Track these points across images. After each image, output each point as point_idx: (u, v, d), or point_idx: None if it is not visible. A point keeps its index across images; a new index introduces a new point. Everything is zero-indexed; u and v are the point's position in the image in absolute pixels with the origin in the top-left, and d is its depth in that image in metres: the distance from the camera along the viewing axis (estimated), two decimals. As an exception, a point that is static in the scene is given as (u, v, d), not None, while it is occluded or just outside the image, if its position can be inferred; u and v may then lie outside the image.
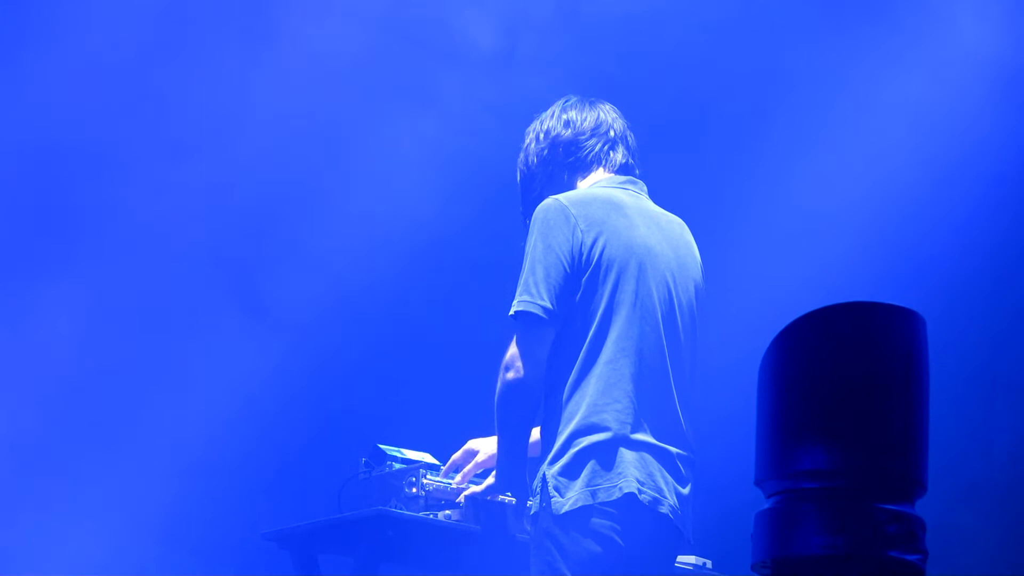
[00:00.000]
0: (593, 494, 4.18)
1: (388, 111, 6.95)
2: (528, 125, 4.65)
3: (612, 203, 4.40)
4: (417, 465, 4.57)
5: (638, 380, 4.28)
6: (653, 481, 4.24)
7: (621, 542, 4.18)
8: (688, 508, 4.33)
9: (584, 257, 4.30)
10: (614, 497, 4.18)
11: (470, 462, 4.59)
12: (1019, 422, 6.70)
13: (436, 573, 4.79)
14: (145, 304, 6.72)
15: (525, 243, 4.36)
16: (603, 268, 4.31)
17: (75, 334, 6.62)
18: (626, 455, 4.22)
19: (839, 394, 2.81)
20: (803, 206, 6.97)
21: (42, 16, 6.58)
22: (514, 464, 4.33)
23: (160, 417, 6.71)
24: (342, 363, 6.91)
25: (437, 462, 4.66)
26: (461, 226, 6.96)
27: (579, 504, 4.17)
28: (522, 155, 4.61)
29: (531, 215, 4.40)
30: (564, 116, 4.57)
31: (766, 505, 2.88)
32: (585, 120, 4.56)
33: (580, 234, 4.31)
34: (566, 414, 4.25)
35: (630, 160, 4.57)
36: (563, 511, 4.17)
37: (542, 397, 4.30)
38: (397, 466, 4.59)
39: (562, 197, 4.37)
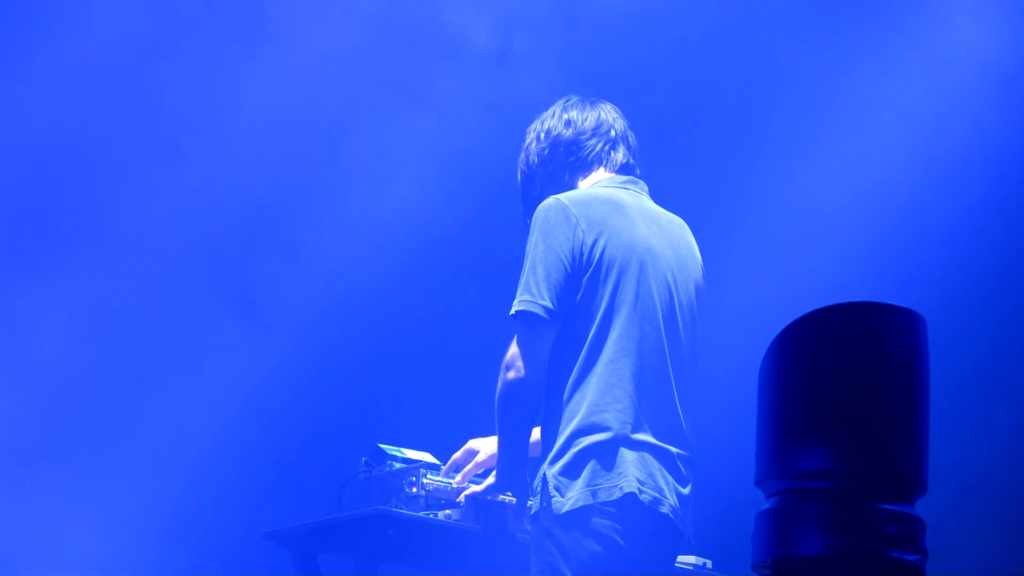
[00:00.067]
0: (594, 494, 4.18)
1: (385, 110, 6.95)
2: (527, 124, 4.66)
3: (613, 203, 4.40)
4: (417, 465, 4.57)
5: (639, 380, 4.28)
6: (654, 481, 4.24)
7: (621, 542, 4.18)
8: (689, 508, 4.33)
9: (585, 257, 4.31)
10: (615, 497, 4.18)
11: (470, 462, 4.59)
12: (1019, 422, 6.71)
13: (436, 573, 4.79)
14: (145, 304, 6.72)
15: (526, 243, 4.36)
16: (604, 268, 4.31)
17: (75, 334, 6.62)
18: (627, 455, 4.22)
19: (839, 394, 2.81)
20: (803, 206, 6.97)
21: (35, 16, 6.57)
22: (515, 464, 4.33)
23: (160, 417, 6.71)
24: (342, 363, 6.91)
25: (437, 462, 4.66)
26: (462, 225, 6.96)
27: (580, 504, 4.17)
28: (523, 155, 4.61)
29: (532, 215, 4.40)
30: (565, 116, 4.58)
31: (766, 505, 2.89)
32: (586, 120, 4.56)
33: (581, 234, 4.31)
34: (567, 414, 4.25)
35: (631, 160, 4.57)
36: (564, 511, 4.17)
37: (543, 397, 4.30)
38: (397, 466, 4.59)
39: (563, 197, 4.38)
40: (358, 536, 4.50)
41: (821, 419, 2.81)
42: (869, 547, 2.77)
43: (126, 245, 6.70)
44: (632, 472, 4.21)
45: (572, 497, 4.18)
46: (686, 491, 4.32)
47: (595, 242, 4.32)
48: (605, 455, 4.21)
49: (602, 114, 4.58)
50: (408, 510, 4.48)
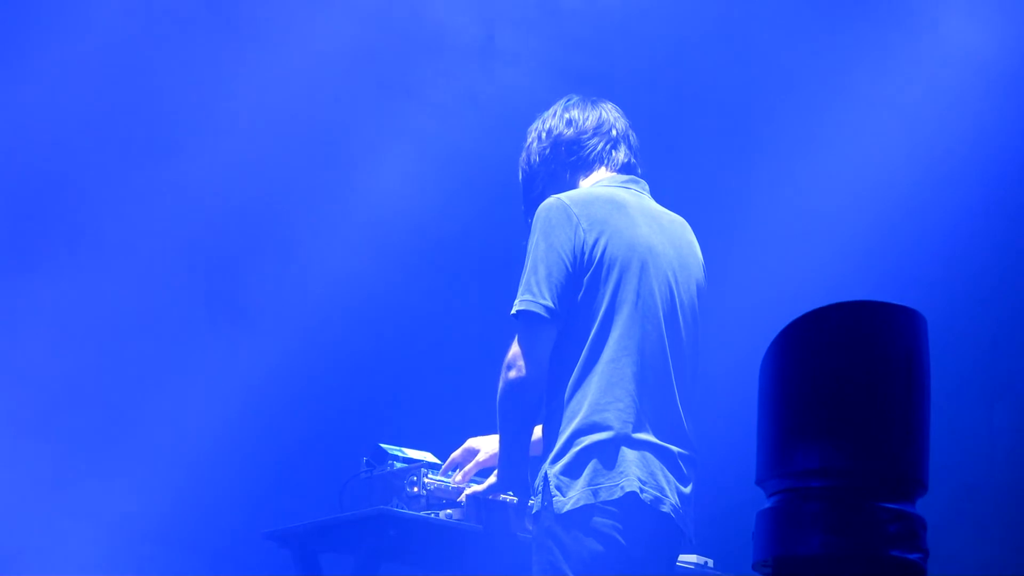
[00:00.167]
0: (595, 493, 4.18)
1: (377, 108, 6.94)
2: (525, 122, 4.66)
3: (614, 202, 4.41)
4: (418, 464, 4.57)
5: (640, 379, 4.28)
6: (655, 480, 4.24)
7: (623, 541, 4.18)
8: (690, 507, 4.34)
9: (586, 256, 4.31)
10: (616, 496, 4.18)
11: (470, 461, 4.60)
12: (1019, 422, 6.71)
13: (438, 572, 4.79)
14: (145, 304, 6.72)
15: (526, 242, 4.36)
16: (605, 267, 4.31)
17: (76, 334, 6.62)
18: (628, 454, 4.22)
19: (840, 393, 2.82)
20: (803, 206, 6.98)
21: (27, 16, 6.57)
22: (516, 463, 4.33)
23: (160, 417, 6.71)
24: (342, 363, 6.91)
25: (439, 461, 4.66)
26: (462, 225, 6.96)
27: (581, 503, 4.17)
28: (524, 154, 4.62)
29: (533, 214, 4.40)
30: (566, 115, 4.58)
31: (767, 504, 2.89)
32: (587, 119, 4.57)
33: (582, 233, 4.31)
34: (568, 413, 4.26)
35: (632, 159, 4.58)
36: (565, 510, 4.17)
37: (544, 396, 4.31)
38: (398, 465, 4.59)
39: (564, 196, 4.38)
40: (359, 536, 4.51)
41: (821, 418, 2.82)
42: (870, 546, 2.77)
43: (126, 245, 6.70)
44: (633, 471, 4.21)
45: (573, 496, 4.18)
46: (687, 490, 4.32)
47: (596, 241, 4.32)
48: (606, 454, 4.21)
49: (603, 113, 4.59)
50: (409, 510, 4.48)
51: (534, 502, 4.28)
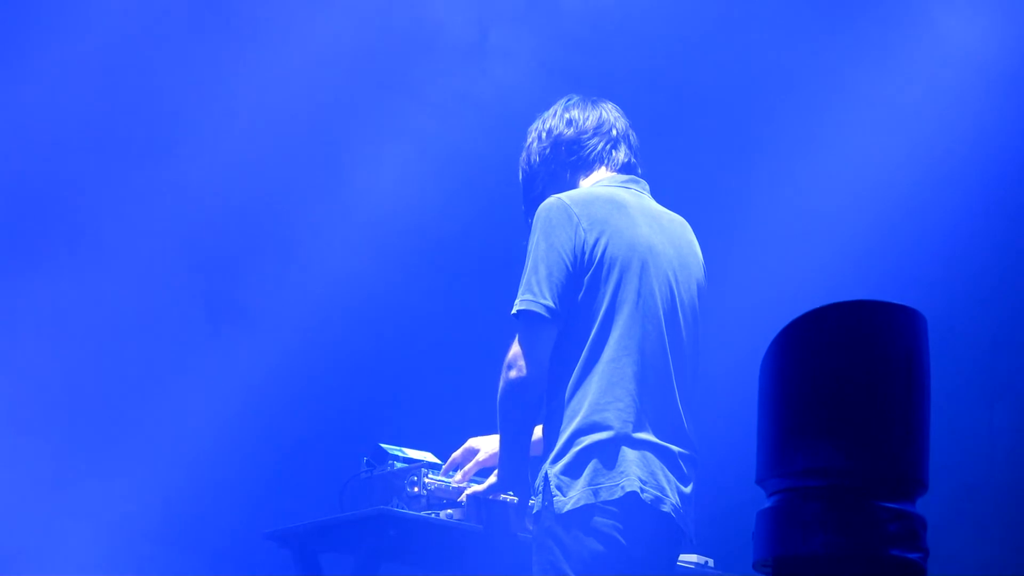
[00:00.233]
0: (595, 493, 4.18)
1: (377, 108, 6.94)
2: (524, 120, 4.67)
3: (614, 202, 4.41)
4: (419, 464, 4.57)
5: (640, 379, 4.28)
6: (655, 480, 4.24)
7: (623, 541, 4.18)
8: (690, 507, 4.34)
9: (586, 256, 4.31)
10: (616, 496, 4.18)
11: (470, 461, 4.60)
12: (1019, 422, 6.71)
13: (438, 572, 4.79)
14: (145, 303, 6.72)
15: (527, 242, 4.36)
16: (605, 267, 4.32)
17: (76, 333, 6.62)
18: (628, 454, 4.22)
19: (840, 393, 2.82)
20: (804, 206, 6.98)
21: (25, 16, 6.57)
22: (516, 463, 4.33)
23: (160, 417, 6.71)
24: (342, 363, 6.91)
25: (439, 461, 4.66)
26: (463, 224, 6.96)
27: (581, 503, 4.17)
28: (524, 154, 4.62)
29: (533, 214, 4.40)
30: (566, 115, 4.58)
31: (767, 504, 2.89)
32: (587, 119, 4.57)
33: (583, 233, 4.32)
34: (568, 413, 4.26)
35: (632, 159, 4.58)
36: (565, 510, 4.17)
37: (544, 396, 4.31)
38: (399, 465, 4.59)
39: (564, 196, 4.38)
40: (359, 536, 4.51)
41: (822, 418, 2.82)
42: (870, 545, 2.77)
43: (126, 245, 6.70)
44: (634, 471, 4.21)
45: (574, 496, 4.18)
46: (688, 490, 4.32)
47: (597, 241, 4.32)
48: (607, 454, 4.21)
49: (603, 113, 4.59)
50: (409, 510, 4.48)
51: (534, 502, 4.28)
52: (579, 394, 4.26)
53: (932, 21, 6.88)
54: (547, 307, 4.26)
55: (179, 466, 6.68)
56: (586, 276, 4.31)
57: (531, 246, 4.33)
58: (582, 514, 4.17)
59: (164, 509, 6.66)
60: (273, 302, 6.88)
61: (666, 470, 4.28)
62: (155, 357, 6.74)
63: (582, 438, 4.23)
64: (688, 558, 4.63)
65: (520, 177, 4.63)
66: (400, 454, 4.64)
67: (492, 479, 4.44)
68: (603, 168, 4.55)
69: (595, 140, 4.55)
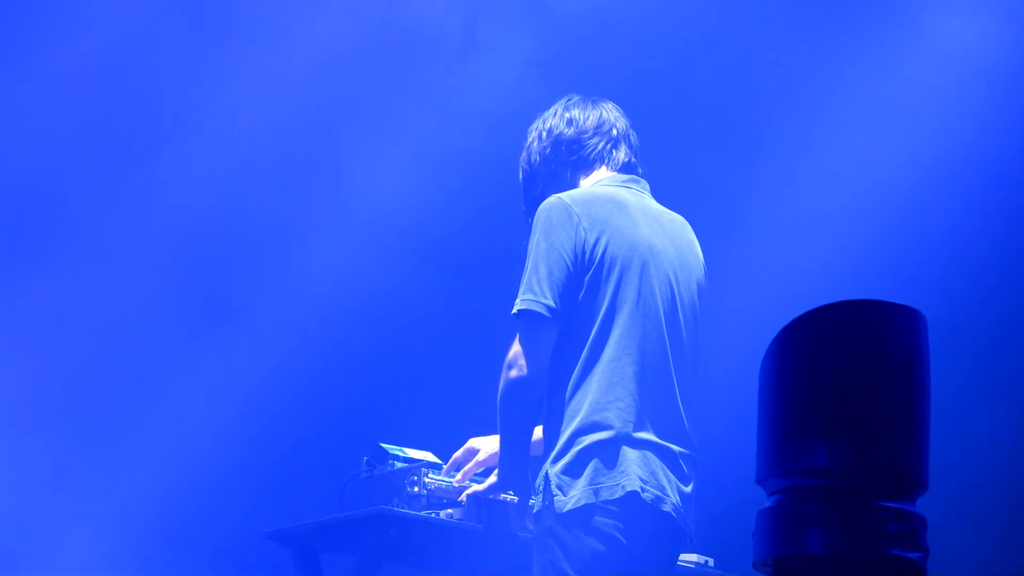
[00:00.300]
0: (596, 492, 4.18)
1: (373, 108, 6.94)
2: (525, 122, 4.67)
3: (615, 202, 4.41)
4: (419, 464, 4.57)
5: (640, 378, 4.28)
6: (656, 479, 4.24)
7: (624, 540, 4.18)
8: (691, 506, 4.34)
9: (587, 256, 4.31)
10: (617, 495, 4.18)
11: (471, 460, 4.60)
12: (1019, 422, 6.71)
13: (438, 572, 4.79)
14: (145, 303, 6.72)
15: (527, 242, 4.36)
16: (606, 267, 4.32)
17: (77, 333, 6.62)
18: (629, 453, 4.22)
19: (840, 392, 2.82)
20: (804, 206, 6.97)
21: (21, 16, 6.57)
22: (517, 462, 4.33)
23: (160, 417, 6.71)
24: (342, 363, 6.91)
25: (439, 461, 4.66)
26: (463, 224, 6.96)
27: (582, 503, 4.17)
28: (524, 153, 4.62)
29: (533, 213, 4.40)
30: (567, 115, 4.58)
31: (768, 503, 2.89)
32: (588, 119, 4.57)
33: (583, 232, 4.32)
34: (568, 412, 4.26)
35: (632, 159, 4.58)
36: (566, 509, 4.18)
37: (544, 395, 4.31)
38: (399, 465, 4.59)
39: (565, 196, 4.38)
40: (360, 536, 4.50)
41: (822, 417, 2.82)
42: (870, 545, 2.78)
43: (126, 244, 6.70)
44: (634, 471, 4.21)
45: (574, 496, 4.18)
46: (688, 489, 4.32)
47: (597, 241, 4.32)
48: (607, 454, 4.21)
49: (604, 113, 4.59)
50: (410, 509, 4.48)
51: (535, 501, 4.28)
52: (579, 394, 4.26)
53: (932, 21, 6.89)
54: (548, 307, 4.26)
55: (179, 466, 6.68)
56: (586, 276, 4.31)
57: (531, 246, 4.33)
58: (583, 513, 4.17)
59: (164, 509, 6.66)
60: (273, 302, 6.88)
61: (667, 469, 4.28)
62: (155, 357, 6.74)
63: (582, 438, 4.23)
64: (688, 557, 4.63)
65: (520, 176, 4.63)
66: (400, 454, 4.64)
67: (492, 479, 4.44)
68: (603, 168, 4.55)
69: (595, 140, 4.56)
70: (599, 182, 4.51)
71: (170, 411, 6.71)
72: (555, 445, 4.26)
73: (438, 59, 6.98)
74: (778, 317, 2.96)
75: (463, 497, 4.50)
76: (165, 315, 6.75)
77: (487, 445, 4.58)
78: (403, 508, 4.48)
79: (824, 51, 6.97)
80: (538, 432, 4.40)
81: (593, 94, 4.66)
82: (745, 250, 6.86)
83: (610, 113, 4.60)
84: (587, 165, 4.55)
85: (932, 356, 2.91)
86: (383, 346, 6.99)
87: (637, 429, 4.26)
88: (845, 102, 6.96)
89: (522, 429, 4.30)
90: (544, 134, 4.58)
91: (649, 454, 4.26)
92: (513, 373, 4.25)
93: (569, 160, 4.56)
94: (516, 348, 4.26)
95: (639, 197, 4.50)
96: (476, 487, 4.48)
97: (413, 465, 4.57)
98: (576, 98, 4.63)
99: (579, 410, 4.24)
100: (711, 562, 4.71)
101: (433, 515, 4.48)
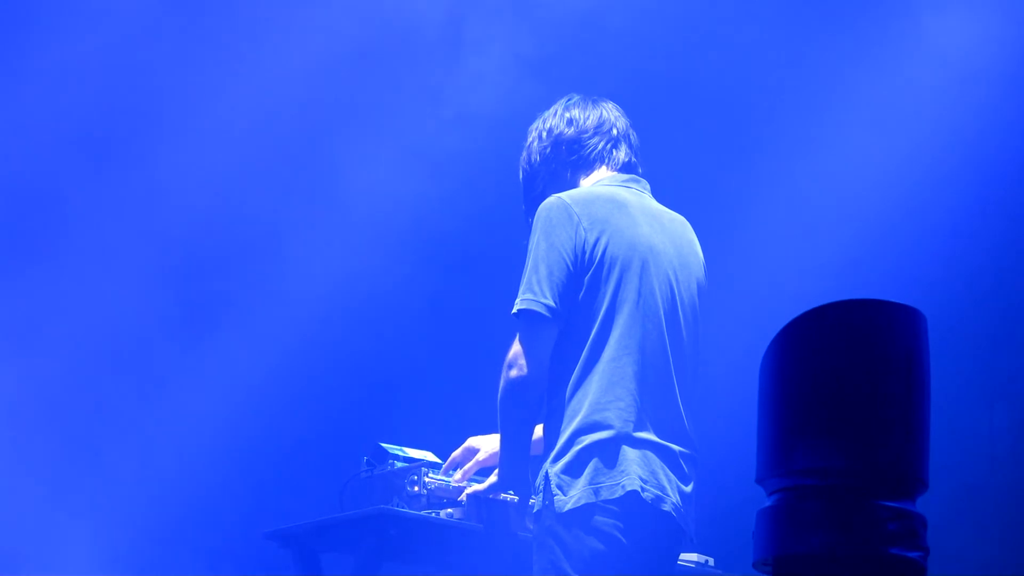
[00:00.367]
0: (596, 492, 4.18)
1: (370, 107, 6.94)
2: (526, 124, 4.68)
3: (615, 201, 4.41)
4: (419, 463, 4.57)
5: (641, 378, 4.28)
6: (656, 479, 4.25)
7: (624, 540, 4.19)
8: (691, 506, 4.34)
9: (587, 255, 4.31)
10: (617, 495, 4.18)
11: (470, 460, 4.60)
12: (1019, 422, 6.70)
13: (438, 572, 4.79)
14: (145, 303, 6.72)
15: (527, 241, 4.36)
16: (606, 266, 4.32)
17: (77, 333, 6.62)
18: (629, 453, 4.23)
19: (840, 392, 2.82)
20: (804, 206, 6.97)
21: (18, 16, 6.57)
22: (517, 462, 4.33)
23: (160, 417, 6.71)
24: (343, 363, 6.91)
25: (439, 460, 4.66)
26: (463, 223, 6.96)
27: (582, 502, 4.17)
28: (524, 153, 4.62)
29: (533, 213, 4.41)
30: (567, 114, 4.59)
31: (768, 503, 2.89)
32: (588, 118, 4.57)
33: (583, 232, 4.32)
34: (569, 412, 4.26)
35: (633, 158, 4.59)
36: (566, 509, 4.18)
37: (545, 395, 4.31)
38: (399, 464, 4.59)
39: (565, 195, 4.39)
40: (360, 535, 4.50)
41: (822, 417, 2.82)
42: (870, 544, 2.78)
43: (127, 244, 6.70)
44: (634, 470, 4.21)
45: (574, 495, 4.18)
46: (688, 489, 4.33)
47: (597, 240, 4.32)
48: (607, 453, 4.21)
49: (604, 113, 4.59)
50: (410, 509, 4.48)
51: (535, 501, 4.28)
52: (580, 393, 4.26)
53: (932, 22, 6.88)
54: (548, 306, 4.26)
55: (179, 466, 6.68)
56: (587, 275, 4.31)
57: (532, 245, 4.33)
58: (583, 513, 4.17)
59: (164, 509, 6.66)
60: (272, 302, 6.88)
61: (667, 469, 4.28)
62: (155, 356, 6.74)
63: (583, 437, 4.23)
64: (688, 557, 4.63)
65: (520, 176, 4.63)
66: (400, 453, 4.64)
67: (492, 478, 4.44)
68: (604, 167, 4.55)
69: (596, 139, 4.56)
70: (599, 182, 4.51)
71: (170, 411, 6.71)
72: (555, 445, 4.26)
73: (435, 58, 6.97)
74: (778, 317, 2.96)
75: (463, 497, 4.50)
76: (165, 315, 6.75)
77: (486, 444, 4.59)
78: (403, 508, 4.49)
79: (824, 51, 6.96)
80: (538, 431, 4.40)
81: (592, 93, 4.67)
82: (745, 250, 6.86)
83: (610, 113, 4.60)
84: (587, 165, 4.56)
85: (932, 356, 2.91)
86: (383, 346, 6.99)
87: (637, 429, 4.26)
88: (845, 102, 6.96)
89: (522, 429, 4.31)
90: (544, 134, 4.58)
91: (649, 454, 4.26)
92: (513, 373, 4.26)
93: (569, 160, 4.56)
94: (516, 348, 4.26)
95: (639, 197, 4.50)
96: (476, 486, 4.48)
97: (413, 465, 4.57)
98: (576, 98, 4.64)
99: (579, 410, 4.25)
100: (711, 562, 4.72)
101: (433, 515, 4.48)
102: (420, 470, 4.54)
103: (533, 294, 4.27)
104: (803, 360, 2.86)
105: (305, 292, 6.89)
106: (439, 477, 4.58)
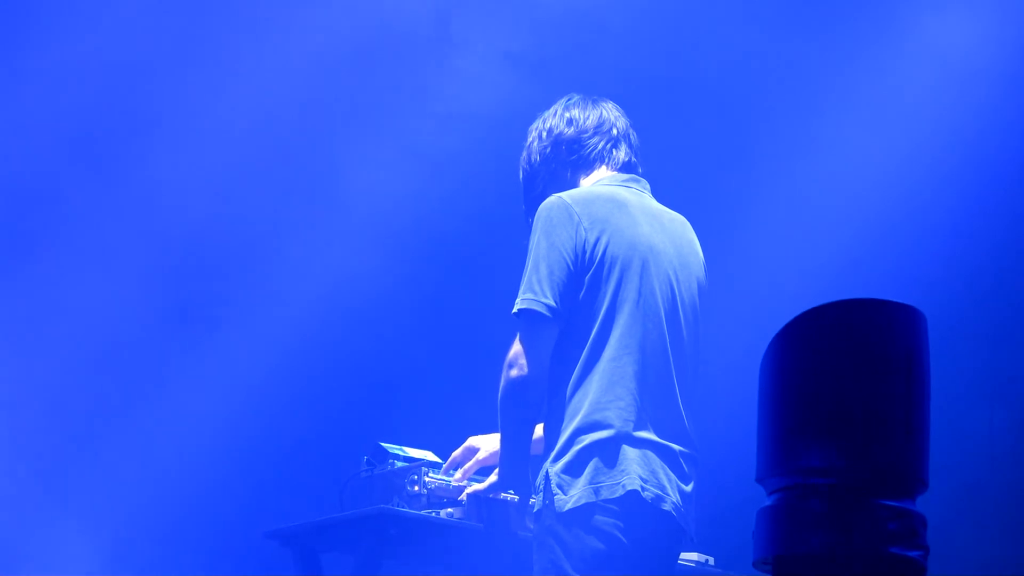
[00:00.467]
0: (596, 491, 4.19)
1: (368, 107, 6.94)
2: (528, 125, 4.68)
3: (615, 201, 4.41)
4: (419, 463, 4.57)
5: (641, 378, 4.28)
6: (656, 478, 4.25)
7: (624, 539, 4.19)
8: (691, 505, 4.34)
9: (587, 255, 4.31)
10: (617, 495, 4.18)
11: (470, 459, 4.60)
12: (1019, 422, 6.71)
13: (439, 571, 4.80)
14: (145, 302, 6.72)
15: (528, 241, 4.37)
16: (606, 266, 4.32)
17: (77, 333, 6.62)
18: (629, 452, 4.23)
19: (840, 391, 2.82)
20: (804, 206, 6.98)
21: (13, 17, 6.57)
22: (517, 462, 4.34)
23: (160, 416, 6.71)
24: (343, 363, 6.91)
25: (439, 460, 4.67)
26: (463, 224, 6.96)
27: (582, 501, 4.18)
28: (525, 153, 4.62)
29: (534, 213, 4.41)
30: (567, 114, 4.59)
31: (768, 502, 2.89)
32: (588, 118, 4.57)
33: (583, 232, 4.32)
34: (569, 411, 4.26)
35: (633, 158, 4.59)
36: (566, 508, 4.18)
37: (545, 395, 4.31)
38: (399, 464, 4.59)
39: (565, 195, 4.39)
40: (360, 535, 4.51)
41: (822, 416, 2.82)
42: (870, 544, 2.78)
43: (126, 243, 6.70)
44: (634, 470, 4.21)
45: (575, 495, 4.18)
46: (689, 488, 4.33)
47: (597, 240, 4.32)
48: (607, 453, 4.21)
49: (604, 112, 4.60)
50: (410, 508, 4.48)
51: (535, 500, 4.28)
52: (580, 393, 4.26)
53: (932, 22, 6.89)
54: (548, 306, 4.26)
55: (179, 466, 6.68)
56: (587, 275, 4.31)
57: (532, 245, 4.33)
58: (583, 512, 4.17)
59: (165, 509, 6.66)
60: (272, 302, 6.88)
61: (667, 468, 4.28)
62: (154, 356, 6.74)
63: (583, 437, 4.23)
64: (689, 556, 4.63)
65: (521, 176, 4.63)
66: (400, 453, 4.64)
67: (493, 478, 4.44)
68: (604, 167, 4.56)
69: (596, 139, 4.56)
70: (599, 181, 4.51)
71: (170, 410, 6.71)
72: (555, 444, 4.26)
73: (434, 58, 6.97)
74: (778, 317, 2.96)
75: (463, 496, 4.50)
76: (164, 314, 6.75)
77: (487, 444, 4.59)
78: (403, 507, 4.49)
79: (824, 51, 6.96)
80: (538, 431, 4.41)
81: (592, 93, 4.67)
82: (745, 250, 6.86)
83: (610, 113, 4.60)
84: (587, 165, 4.56)
85: (932, 356, 2.91)
86: (383, 346, 6.99)
87: (637, 428, 4.26)
88: (845, 102, 6.96)
89: (522, 428, 4.31)
90: (544, 134, 4.58)
91: (649, 453, 4.26)
92: (514, 372, 4.26)
93: (569, 160, 4.56)
94: (516, 347, 4.26)
95: (639, 196, 4.50)
96: (476, 486, 4.48)
97: (413, 464, 4.57)
98: (576, 98, 4.64)
99: (579, 409, 4.25)
100: (711, 561, 4.72)
101: (433, 514, 4.48)
102: (420, 470, 4.54)
103: (533, 294, 4.27)
104: (803, 360, 2.86)
105: (304, 292, 6.89)
106: (439, 477, 4.58)
